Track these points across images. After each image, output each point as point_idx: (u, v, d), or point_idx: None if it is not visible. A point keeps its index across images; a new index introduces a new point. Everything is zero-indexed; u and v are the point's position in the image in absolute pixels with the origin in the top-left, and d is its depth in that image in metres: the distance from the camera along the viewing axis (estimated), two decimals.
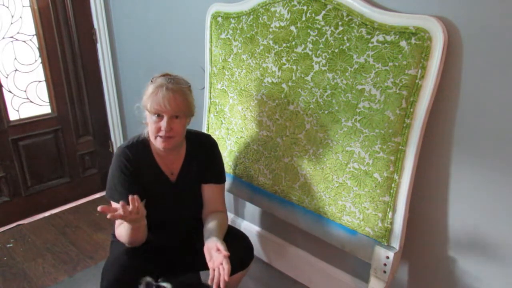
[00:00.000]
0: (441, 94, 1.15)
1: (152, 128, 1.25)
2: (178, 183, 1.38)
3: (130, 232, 1.21)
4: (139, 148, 1.34)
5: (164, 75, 1.29)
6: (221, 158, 1.48)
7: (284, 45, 1.40)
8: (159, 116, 1.23)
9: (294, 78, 1.40)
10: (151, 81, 1.27)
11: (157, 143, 1.27)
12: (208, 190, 1.43)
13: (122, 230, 1.26)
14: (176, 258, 1.44)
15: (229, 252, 1.17)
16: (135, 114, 1.35)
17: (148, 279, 1.21)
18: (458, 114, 1.15)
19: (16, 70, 2.21)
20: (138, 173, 1.31)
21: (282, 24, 1.39)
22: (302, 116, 1.41)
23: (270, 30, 1.43)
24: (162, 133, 1.24)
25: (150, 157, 1.35)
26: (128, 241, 1.26)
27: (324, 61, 1.30)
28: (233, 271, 1.42)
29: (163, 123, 1.23)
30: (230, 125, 1.70)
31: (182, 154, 1.39)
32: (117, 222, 1.31)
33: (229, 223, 1.69)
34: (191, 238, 1.41)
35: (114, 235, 1.45)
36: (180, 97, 1.24)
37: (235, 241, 1.41)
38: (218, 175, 1.45)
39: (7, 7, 2.10)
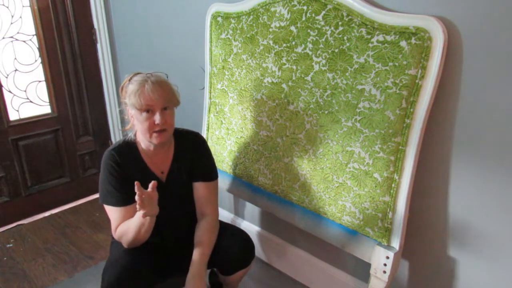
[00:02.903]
0: (441, 94, 1.15)
1: (144, 126, 1.25)
2: (169, 182, 1.38)
3: (139, 227, 1.22)
4: (126, 150, 1.34)
5: (137, 73, 1.29)
6: (211, 155, 1.48)
7: (284, 45, 1.40)
8: (149, 112, 1.24)
9: (294, 78, 1.40)
10: (129, 81, 1.28)
11: (153, 140, 1.27)
12: (198, 188, 1.43)
13: (130, 227, 1.25)
14: (176, 258, 1.44)
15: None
16: (119, 118, 1.35)
17: None
18: (458, 114, 1.15)
19: (16, 70, 2.21)
20: (128, 175, 1.30)
21: (282, 24, 1.39)
22: (302, 116, 1.41)
23: (270, 30, 1.43)
24: (157, 128, 1.25)
25: (138, 158, 1.35)
26: (132, 238, 1.26)
27: (324, 61, 1.30)
28: (234, 269, 1.43)
29: (157, 117, 1.24)
30: (230, 125, 1.70)
31: (170, 153, 1.40)
32: (117, 222, 1.31)
33: (229, 222, 1.69)
34: (189, 237, 1.41)
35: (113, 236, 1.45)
36: (166, 87, 1.26)
37: (236, 240, 1.42)
38: (207, 173, 1.44)
39: (7, 7, 2.10)
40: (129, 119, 1.33)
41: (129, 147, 1.35)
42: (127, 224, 1.28)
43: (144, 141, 1.34)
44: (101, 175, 1.32)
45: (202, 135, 1.72)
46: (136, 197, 1.12)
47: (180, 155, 1.40)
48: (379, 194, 1.26)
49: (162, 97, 1.24)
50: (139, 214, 1.20)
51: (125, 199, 1.30)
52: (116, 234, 1.32)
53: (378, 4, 1.20)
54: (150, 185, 1.16)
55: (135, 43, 2.30)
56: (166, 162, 1.39)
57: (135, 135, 1.36)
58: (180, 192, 1.41)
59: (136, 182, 1.12)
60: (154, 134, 1.26)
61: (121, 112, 1.35)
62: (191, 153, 1.42)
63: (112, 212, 1.32)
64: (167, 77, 1.32)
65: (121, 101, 1.32)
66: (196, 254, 1.33)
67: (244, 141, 1.65)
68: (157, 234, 1.32)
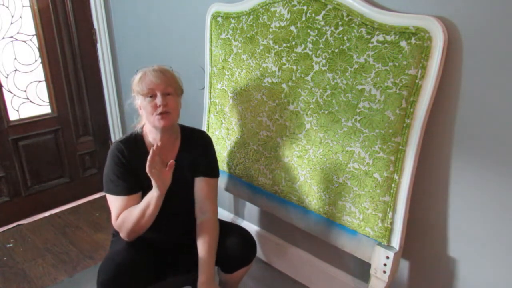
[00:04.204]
0: (441, 94, 1.15)
1: (148, 109, 1.30)
2: (173, 175, 1.38)
3: (144, 209, 1.24)
4: (133, 142, 1.37)
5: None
6: (215, 153, 1.50)
7: (284, 45, 1.40)
8: (153, 96, 1.30)
9: (294, 78, 1.40)
10: (135, 73, 1.35)
11: (156, 122, 1.31)
12: (199, 184, 1.43)
13: (133, 211, 1.27)
14: (175, 257, 1.44)
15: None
16: (128, 111, 1.40)
17: None
18: (458, 114, 1.15)
19: (16, 70, 2.21)
20: (133, 166, 1.33)
21: (282, 24, 1.39)
22: (302, 116, 1.41)
23: (270, 30, 1.43)
24: (159, 110, 1.29)
25: (144, 150, 1.36)
26: (135, 223, 1.27)
27: (324, 61, 1.30)
28: (235, 267, 1.43)
29: (159, 99, 1.29)
30: (230, 125, 1.70)
31: (176, 146, 1.42)
32: (119, 210, 1.31)
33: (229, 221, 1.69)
34: (188, 235, 1.41)
35: (114, 235, 1.45)
36: (168, 74, 1.34)
37: (237, 237, 1.42)
38: (209, 169, 1.45)
39: (7, 7, 2.10)
40: (137, 111, 1.39)
41: (136, 139, 1.38)
42: (130, 209, 1.29)
43: (151, 132, 1.37)
44: (107, 164, 1.35)
45: None
46: (149, 157, 1.16)
47: (186, 150, 1.42)
48: (379, 194, 1.26)
49: (164, 81, 1.30)
50: (148, 196, 1.24)
51: (128, 188, 1.32)
52: (117, 222, 1.32)
53: (378, 4, 1.20)
54: (169, 164, 1.21)
55: (135, 43, 2.30)
56: (171, 156, 1.40)
57: (142, 128, 1.40)
58: (182, 186, 1.42)
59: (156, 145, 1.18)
60: (157, 117, 1.30)
61: (129, 106, 1.40)
62: (197, 149, 1.44)
63: (114, 201, 1.33)
64: (171, 69, 1.38)
65: (132, 95, 1.38)
66: (203, 255, 1.33)
67: (244, 141, 1.65)
68: (156, 229, 1.32)
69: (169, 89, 1.31)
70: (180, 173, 1.40)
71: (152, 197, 1.23)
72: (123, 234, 1.32)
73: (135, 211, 1.27)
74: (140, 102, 1.33)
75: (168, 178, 1.23)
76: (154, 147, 1.17)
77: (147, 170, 1.17)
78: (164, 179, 1.22)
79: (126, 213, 1.29)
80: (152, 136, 1.37)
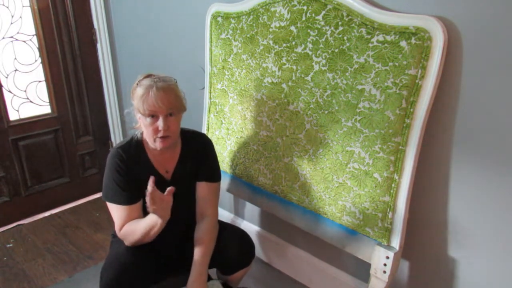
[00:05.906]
0: (441, 94, 1.15)
1: (149, 131, 1.26)
2: (173, 181, 1.38)
3: (149, 229, 1.24)
4: (133, 148, 1.35)
5: (148, 76, 1.29)
6: (216, 157, 1.49)
7: (284, 45, 1.40)
8: (154, 117, 1.24)
9: (294, 78, 1.40)
10: (137, 84, 1.27)
11: (156, 144, 1.28)
12: (200, 188, 1.43)
13: (138, 227, 1.26)
14: (176, 257, 1.44)
15: None
16: (126, 120, 1.37)
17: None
18: (458, 114, 1.15)
19: (16, 70, 2.21)
20: (133, 173, 1.31)
21: (282, 24, 1.39)
22: (302, 116, 1.41)
23: (270, 30, 1.43)
24: (160, 134, 1.25)
25: (144, 156, 1.35)
26: (138, 239, 1.27)
27: (324, 61, 1.30)
28: (234, 269, 1.43)
29: (160, 123, 1.24)
30: (230, 125, 1.70)
31: (177, 153, 1.40)
32: (122, 220, 1.31)
33: (229, 222, 1.69)
34: (190, 237, 1.41)
35: (113, 235, 1.45)
36: (172, 94, 1.25)
37: (236, 239, 1.42)
38: (210, 173, 1.45)
39: (7, 7, 2.10)
40: (137, 120, 1.35)
41: (135, 145, 1.35)
42: (135, 224, 1.28)
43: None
44: (106, 172, 1.33)
45: None
46: (147, 194, 1.13)
47: (186, 155, 1.41)
48: (379, 194, 1.26)
49: (166, 104, 1.23)
50: (151, 216, 1.22)
51: (130, 197, 1.31)
52: (120, 233, 1.32)
53: (378, 4, 1.20)
54: (167, 191, 1.17)
55: (135, 43, 2.30)
56: (171, 162, 1.39)
57: (142, 134, 1.36)
58: (183, 191, 1.41)
59: (151, 177, 1.13)
60: (158, 139, 1.27)
61: (128, 114, 1.37)
62: (197, 154, 1.42)
63: (116, 210, 1.32)
64: (176, 82, 1.31)
65: (131, 102, 1.32)
66: (197, 255, 1.33)
67: (244, 141, 1.65)
68: (160, 233, 1.32)
69: (172, 110, 1.26)
70: (182, 178, 1.40)
71: (157, 223, 1.22)
72: (127, 244, 1.32)
73: (140, 228, 1.26)
74: (140, 116, 1.29)
75: (169, 208, 1.21)
76: (149, 188, 1.13)
77: (148, 209, 1.15)
78: (166, 210, 1.20)
79: (130, 227, 1.29)
80: (151, 144, 1.34)
